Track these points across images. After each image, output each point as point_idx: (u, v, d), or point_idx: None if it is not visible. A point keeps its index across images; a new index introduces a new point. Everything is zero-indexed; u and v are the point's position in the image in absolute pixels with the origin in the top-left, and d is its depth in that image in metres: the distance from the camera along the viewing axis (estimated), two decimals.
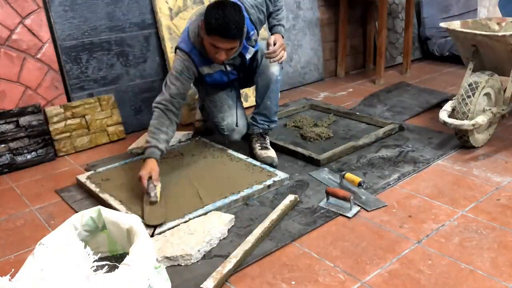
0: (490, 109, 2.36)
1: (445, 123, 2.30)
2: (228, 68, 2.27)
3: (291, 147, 2.43)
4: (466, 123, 2.24)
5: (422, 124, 2.77)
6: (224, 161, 2.34)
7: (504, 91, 2.44)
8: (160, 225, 1.78)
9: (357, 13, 3.99)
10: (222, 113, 2.35)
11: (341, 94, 3.50)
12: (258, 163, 2.27)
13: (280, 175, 2.14)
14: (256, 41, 2.29)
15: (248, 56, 2.24)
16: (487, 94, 2.42)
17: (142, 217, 1.82)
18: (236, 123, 2.36)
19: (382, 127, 2.67)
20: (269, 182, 2.08)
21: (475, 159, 2.30)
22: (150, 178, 1.97)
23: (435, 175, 2.16)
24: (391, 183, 2.09)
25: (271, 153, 2.34)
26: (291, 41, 3.62)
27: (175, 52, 2.19)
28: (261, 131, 2.40)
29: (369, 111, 3.03)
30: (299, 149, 2.40)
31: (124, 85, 2.86)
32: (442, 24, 2.56)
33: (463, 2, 4.43)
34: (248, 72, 2.36)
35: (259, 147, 2.37)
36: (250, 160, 2.32)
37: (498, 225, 1.75)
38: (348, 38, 3.95)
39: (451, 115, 2.40)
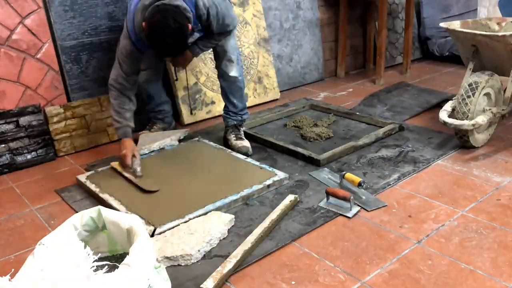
0: (490, 109, 2.36)
1: (445, 123, 2.30)
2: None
3: (291, 147, 2.43)
4: (466, 123, 2.23)
5: (422, 124, 2.77)
6: (224, 161, 2.34)
7: (504, 91, 2.43)
8: (157, 191, 2.03)
9: (357, 13, 3.99)
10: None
11: (341, 94, 3.50)
12: (257, 163, 2.27)
13: (280, 175, 2.14)
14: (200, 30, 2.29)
15: (195, 47, 2.36)
16: (487, 94, 2.41)
17: (142, 189, 2.05)
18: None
19: (382, 127, 2.67)
20: (268, 182, 2.08)
21: (475, 159, 2.29)
22: (133, 157, 2.22)
23: (435, 175, 2.16)
24: (391, 183, 2.09)
25: (246, 143, 2.48)
26: (291, 41, 3.62)
27: (125, 24, 2.21)
28: (235, 123, 2.56)
29: (369, 111, 3.03)
30: (299, 149, 2.40)
31: None
32: (442, 24, 2.57)
33: (463, 2, 4.43)
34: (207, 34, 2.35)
35: (234, 138, 2.52)
36: (250, 160, 2.32)
37: (498, 225, 1.75)
38: (348, 38, 3.95)
39: (451, 115, 2.40)
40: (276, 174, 2.15)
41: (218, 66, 2.48)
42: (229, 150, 2.44)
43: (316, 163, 2.29)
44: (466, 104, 2.29)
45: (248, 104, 3.23)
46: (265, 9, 3.42)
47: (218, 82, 3.10)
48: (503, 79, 2.45)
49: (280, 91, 3.49)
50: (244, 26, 3.27)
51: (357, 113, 2.94)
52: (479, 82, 2.30)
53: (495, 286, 1.44)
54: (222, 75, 2.47)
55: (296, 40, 3.65)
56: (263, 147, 2.55)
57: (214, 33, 2.29)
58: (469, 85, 2.31)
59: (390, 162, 2.29)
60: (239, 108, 2.55)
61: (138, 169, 2.17)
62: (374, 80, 3.71)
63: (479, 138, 2.42)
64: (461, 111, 2.31)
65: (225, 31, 2.31)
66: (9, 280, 1.05)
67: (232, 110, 2.55)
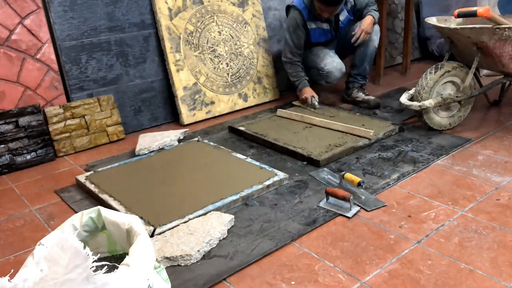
0: (441, 95, 2.56)
1: (400, 103, 2.61)
2: (327, 28, 3.04)
3: (291, 147, 2.43)
4: (414, 104, 2.52)
5: (422, 124, 2.77)
6: (224, 161, 2.34)
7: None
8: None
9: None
10: (324, 60, 3.07)
11: (341, 94, 3.49)
12: (257, 163, 2.27)
13: (280, 175, 2.14)
14: (351, 6, 3.04)
15: (341, 17, 3.04)
16: (454, 83, 2.61)
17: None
18: (337, 63, 3.08)
19: (382, 127, 2.67)
20: (268, 182, 2.08)
21: (474, 159, 2.30)
22: (312, 97, 3.04)
23: (435, 175, 2.16)
24: (391, 183, 2.09)
25: (375, 98, 3.10)
26: None
27: (287, 10, 3.07)
28: (362, 83, 3.18)
29: (369, 111, 3.03)
30: (299, 150, 2.40)
31: (124, 85, 2.86)
32: (427, 19, 2.78)
33: (463, 2, 4.43)
34: (343, 40, 3.12)
35: (363, 94, 3.13)
36: (249, 160, 2.32)
37: (498, 225, 1.75)
38: None
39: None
40: (276, 174, 2.15)
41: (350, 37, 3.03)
42: (229, 150, 2.44)
43: (315, 164, 2.29)
44: (423, 84, 2.54)
45: (247, 104, 3.24)
46: (264, 9, 3.42)
47: (217, 82, 3.12)
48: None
49: (280, 91, 3.49)
50: (244, 26, 3.27)
51: (357, 113, 2.95)
52: (444, 65, 2.56)
53: (495, 286, 1.44)
54: (368, 42, 3.04)
55: None
56: (263, 147, 2.55)
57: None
58: (435, 66, 2.58)
59: (389, 162, 2.29)
60: (366, 72, 3.17)
61: (316, 103, 3.02)
62: (374, 80, 3.71)
63: (436, 120, 2.61)
64: (417, 89, 2.58)
65: None
66: (9, 280, 1.05)
67: (361, 74, 3.15)
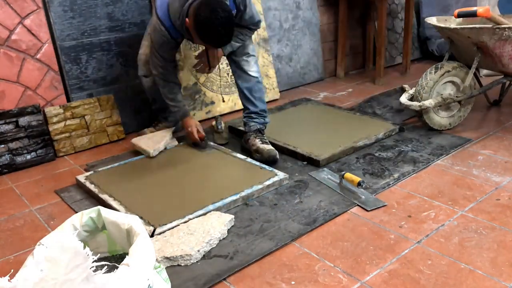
0: (441, 95, 2.55)
1: (400, 103, 2.61)
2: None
3: (291, 147, 2.43)
4: (414, 104, 2.50)
5: (422, 124, 2.77)
6: (224, 161, 2.34)
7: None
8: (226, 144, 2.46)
9: (356, 13, 3.99)
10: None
11: (341, 94, 3.50)
12: (257, 163, 2.27)
13: (280, 175, 2.14)
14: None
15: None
16: (454, 83, 2.60)
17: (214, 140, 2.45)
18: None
19: (382, 127, 2.67)
20: (268, 182, 2.08)
21: (475, 159, 2.30)
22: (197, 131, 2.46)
23: (435, 175, 2.16)
24: (391, 183, 2.09)
25: (272, 147, 2.37)
26: (290, 41, 3.62)
27: (155, 13, 2.24)
28: (258, 126, 2.47)
29: (369, 112, 3.03)
30: (299, 150, 2.40)
31: (124, 86, 2.86)
32: (427, 19, 2.76)
33: (463, 2, 4.43)
34: None
35: (260, 142, 2.39)
36: (249, 160, 2.32)
37: (498, 225, 1.75)
38: (348, 38, 3.95)
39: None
40: (276, 175, 2.15)
41: (237, 68, 2.44)
42: (230, 150, 2.44)
43: (315, 164, 2.29)
44: (423, 84, 2.54)
45: None
46: (264, 9, 3.42)
47: (217, 82, 3.12)
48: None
49: (280, 91, 3.49)
50: None
51: (357, 113, 2.95)
52: (444, 65, 2.55)
53: (495, 286, 1.44)
54: (241, 75, 2.44)
55: (295, 40, 3.65)
56: None
57: (244, 26, 2.32)
58: (435, 66, 2.56)
59: (389, 162, 2.29)
60: (259, 108, 2.48)
61: (207, 141, 2.51)
62: (374, 80, 3.71)
63: (436, 120, 2.61)
64: (417, 89, 2.57)
65: (254, 23, 2.34)
66: (9, 280, 1.05)
67: (255, 112, 2.47)
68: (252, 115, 2.48)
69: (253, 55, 2.47)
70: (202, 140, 2.48)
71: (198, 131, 2.47)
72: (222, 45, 2.22)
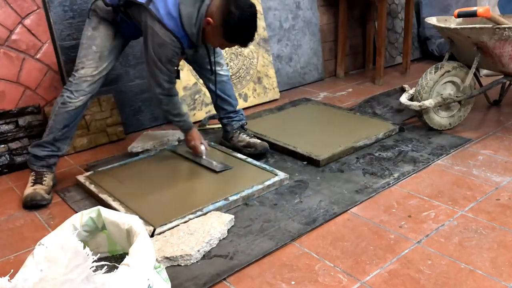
0: (441, 94, 2.55)
1: (400, 103, 2.61)
2: (203, 52, 2.25)
3: (291, 147, 2.43)
4: (414, 104, 2.50)
5: (422, 124, 2.77)
6: (223, 161, 2.34)
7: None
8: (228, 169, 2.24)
9: (356, 13, 3.99)
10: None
11: (341, 94, 3.50)
12: (257, 163, 2.27)
13: (280, 175, 2.14)
14: None
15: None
16: (454, 83, 2.60)
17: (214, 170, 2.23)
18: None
19: (382, 127, 2.67)
20: (268, 182, 2.08)
21: (475, 159, 2.30)
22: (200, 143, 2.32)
23: (435, 175, 2.16)
24: (391, 183, 2.09)
25: (260, 140, 2.43)
26: (290, 41, 3.62)
27: (159, 25, 1.97)
28: (240, 123, 2.51)
29: (369, 112, 3.03)
30: (299, 150, 2.40)
31: (124, 86, 2.86)
32: (427, 19, 2.76)
33: (463, 2, 4.43)
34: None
35: (248, 137, 2.46)
36: (250, 160, 2.32)
37: (498, 225, 1.75)
38: (348, 38, 3.95)
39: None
40: (276, 175, 2.15)
41: (206, 71, 2.36)
42: (230, 150, 2.44)
43: (316, 164, 2.29)
44: (423, 84, 2.54)
45: (247, 104, 3.23)
46: (264, 9, 3.42)
47: None
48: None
49: (280, 91, 3.49)
50: None
51: (357, 113, 2.95)
52: (444, 65, 2.55)
53: (495, 286, 1.44)
54: (211, 78, 2.37)
55: (295, 40, 3.65)
56: None
57: None
58: (435, 66, 2.56)
59: (389, 162, 2.29)
60: (235, 105, 2.50)
61: (204, 157, 2.32)
62: (374, 80, 3.71)
63: (436, 120, 2.61)
64: (417, 89, 2.57)
65: None
66: (9, 280, 1.05)
67: (233, 111, 2.49)
68: (231, 114, 2.49)
69: (221, 54, 2.41)
70: (205, 151, 2.35)
71: (201, 144, 2.33)
72: (251, 41, 2.09)
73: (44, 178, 2.13)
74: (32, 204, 2.03)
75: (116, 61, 2.26)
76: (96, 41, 2.12)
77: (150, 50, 2.04)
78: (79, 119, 2.20)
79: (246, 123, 2.57)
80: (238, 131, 2.48)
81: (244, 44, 2.09)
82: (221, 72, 2.40)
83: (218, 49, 2.35)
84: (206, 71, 2.37)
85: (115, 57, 2.22)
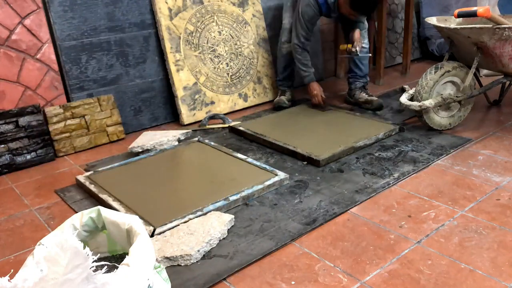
0: (441, 94, 2.56)
1: (400, 103, 2.62)
2: (334, 16, 2.97)
3: (291, 147, 2.43)
4: (414, 104, 2.52)
5: (422, 124, 2.77)
6: (224, 161, 2.34)
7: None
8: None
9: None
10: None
11: (341, 94, 3.50)
12: (257, 163, 2.27)
13: (280, 175, 2.14)
14: None
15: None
16: (454, 83, 2.60)
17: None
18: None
19: (382, 127, 2.67)
20: (269, 182, 2.08)
21: (475, 159, 2.30)
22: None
23: (435, 175, 2.16)
24: (391, 182, 2.09)
25: (377, 98, 3.05)
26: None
27: None
28: (362, 84, 3.15)
29: (369, 112, 3.03)
30: (299, 150, 2.40)
31: (124, 85, 2.86)
32: (427, 19, 2.78)
33: (463, 2, 4.43)
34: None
35: (366, 95, 3.10)
36: (250, 160, 2.32)
37: (498, 225, 1.75)
38: None
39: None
40: (276, 174, 2.15)
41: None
42: (230, 151, 2.44)
43: (316, 164, 2.29)
44: (423, 84, 2.55)
45: (247, 104, 3.23)
46: (264, 9, 3.42)
47: (217, 82, 3.12)
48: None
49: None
50: (244, 26, 3.27)
51: (357, 113, 2.95)
52: (444, 65, 2.56)
53: (495, 286, 1.44)
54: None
55: None
56: (263, 147, 2.55)
57: None
58: (435, 66, 2.57)
59: (389, 162, 2.29)
60: (364, 73, 3.14)
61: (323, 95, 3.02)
62: (374, 80, 3.71)
63: (436, 120, 2.62)
64: (417, 89, 2.58)
65: None
66: (9, 280, 1.05)
67: (359, 74, 3.13)
68: (357, 76, 3.14)
69: (365, 29, 3.07)
70: (324, 103, 3.02)
71: (321, 95, 3.00)
72: (371, 12, 2.72)
73: (286, 93, 3.22)
74: (278, 106, 3.13)
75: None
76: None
77: (299, 8, 2.87)
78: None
79: (367, 84, 3.20)
80: (360, 90, 3.13)
81: (365, 12, 2.69)
82: (362, 44, 3.00)
83: (365, 24, 3.04)
84: (346, 36, 3.10)
85: None
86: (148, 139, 2.58)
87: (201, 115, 3.03)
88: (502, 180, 2.08)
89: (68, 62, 2.64)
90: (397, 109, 3.03)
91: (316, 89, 3.01)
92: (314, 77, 3.03)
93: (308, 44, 2.97)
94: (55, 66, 2.60)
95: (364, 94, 3.12)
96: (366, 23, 3.10)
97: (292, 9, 3.06)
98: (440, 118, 2.62)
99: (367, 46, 3.10)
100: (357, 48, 2.95)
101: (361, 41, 2.98)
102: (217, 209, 1.89)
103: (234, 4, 3.23)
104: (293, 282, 1.50)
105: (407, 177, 2.14)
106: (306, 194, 2.03)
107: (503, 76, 2.70)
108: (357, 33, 2.96)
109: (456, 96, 2.56)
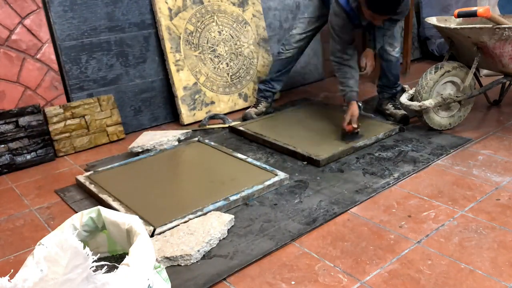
0: (441, 94, 2.56)
1: (400, 103, 2.63)
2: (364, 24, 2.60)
3: (291, 147, 2.43)
4: (414, 104, 2.51)
5: (422, 124, 2.77)
6: (224, 161, 2.34)
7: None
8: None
9: None
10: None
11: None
12: (257, 163, 2.27)
13: (280, 175, 2.14)
14: None
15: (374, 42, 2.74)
16: (454, 83, 2.60)
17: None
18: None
19: (382, 127, 2.66)
20: (269, 182, 2.08)
21: (475, 159, 2.30)
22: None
23: (435, 175, 2.16)
24: (391, 182, 2.09)
25: (403, 112, 2.80)
26: None
27: (335, 2, 2.50)
28: (389, 95, 2.93)
29: (369, 112, 3.03)
30: (299, 150, 2.40)
31: (124, 85, 2.86)
32: (427, 19, 2.78)
33: (463, 2, 4.43)
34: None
35: (393, 108, 2.88)
36: (250, 160, 2.32)
37: (498, 225, 1.75)
38: None
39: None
40: (276, 175, 2.15)
41: (381, 48, 2.75)
42: (230, 151, 2.44)
43: (316, 164, 2.29)
44: (423, 84, 2.54)
45: (247, 104, 3.23)
46: (264, 9, 3.42)
47: (217, 82, 3.12)
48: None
49: (280, 91, 3.48)
50: (244, 26, 3.27)
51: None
52: (444, 65, 2.55)
53: (495, 286, 1.44)
54: (383, 54, 2.78)
55: None
56: (263, 147, 2.55)
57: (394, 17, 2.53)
58: (435, 66, 2.56)
59: (389, 162, 2.29)
60: (392, 83, 2.90)
61: (355, 125, 2.52)
62: (374, 80, 3.71)
63: (436, 120, 2.61)
64: (417, 89, 2.58)
65: (403, 13, 2.53)
66: (9, 280, 1.05)
67: (386, 84, 2.91)
68: (385, 87, 2.93)
69: (396, 38, 2.78)
70: (350, 131, 2.53)
71: (350, 122, 2.54)
72: (389, 12, 2.34)
73: (259, 105, 3.01)
74: (244, 118, 2.94)
75: (319, 29, 2.94)
76: (309, 9, 2.86)
77: (329, 21, 2.61)
78: (289, 67, 3.01)
79: (396, 94, 2.93)
80: (387, 101, 2.94)
81: (384, 12, 2.34)
82: (391, 53, 2.78)
83: (395, 32, 2.73)
84: (382, 46, 2.78)
85: (320, 26, 2.89)
86: (148, 139, 2.58)
87: (201, 115, 3.03)
88: (502, 180, 2.08)
89: (68, 62, 2.64)
90: None
91: (347, 113, 2.56)
92: (351, 96, 2.58)
93: (348, 59, 2.60)
94: (55, 66, 2.60)
95: (391, 105, 2.90)
96: (395, 30, 2.74)
97: (308, 22, 2.85)
98: (440, 118, 2.62)
99: (397, 54, 2.80)
100: (368, 69, 2.72)
101: (372, 63, 2.74)
102: (217, 209, 1.89)
103: (234, 4, 3.23)
104: (293, 282, 1.50)
105: (407, 177, 2.14)
106: (306, 194, 2.03)
107: (503, 76, 2.70)
108: (369, 54, 2.72)
109: (456, 96, 2.56)
